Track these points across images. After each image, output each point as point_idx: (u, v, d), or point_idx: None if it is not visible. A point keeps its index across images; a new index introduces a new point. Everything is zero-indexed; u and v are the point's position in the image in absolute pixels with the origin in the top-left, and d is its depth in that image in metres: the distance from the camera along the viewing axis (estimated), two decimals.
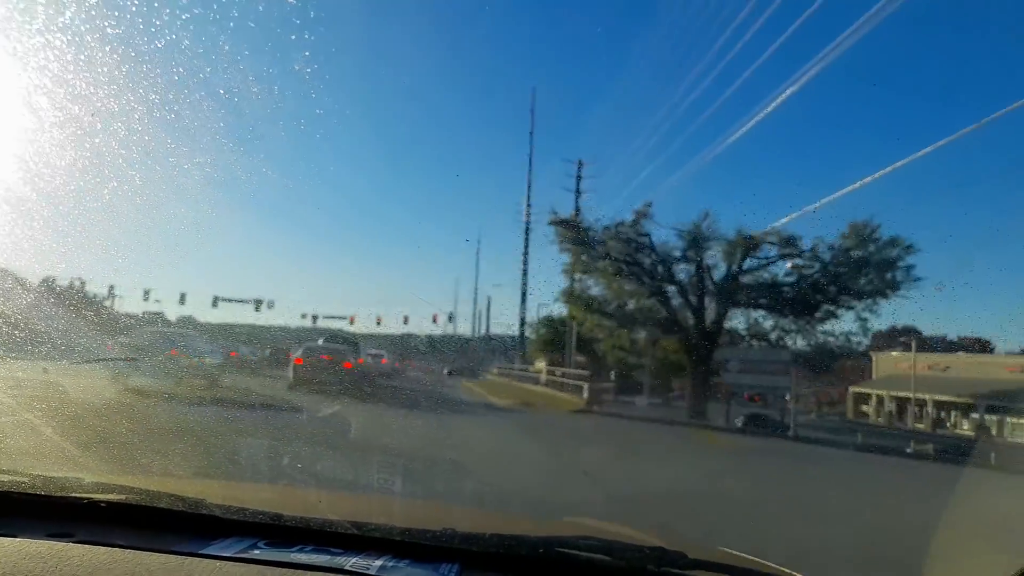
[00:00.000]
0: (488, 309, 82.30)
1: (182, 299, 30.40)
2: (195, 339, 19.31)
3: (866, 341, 26.39)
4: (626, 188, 56.03)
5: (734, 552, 2.22)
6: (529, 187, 40.52)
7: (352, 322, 68.78)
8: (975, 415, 62.30)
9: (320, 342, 24.79)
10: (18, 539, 1.71)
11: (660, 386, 66.09)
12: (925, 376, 62.94)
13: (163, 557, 1.68)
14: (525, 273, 57.44)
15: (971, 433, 60.66)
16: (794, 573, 2.02)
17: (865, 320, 26.57)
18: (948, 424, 65.98)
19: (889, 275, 25.06)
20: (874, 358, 76.97)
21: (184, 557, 1.69)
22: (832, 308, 26.98)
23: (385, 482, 3.05)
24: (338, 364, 19.73)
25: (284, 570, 1.64)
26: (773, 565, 2.06)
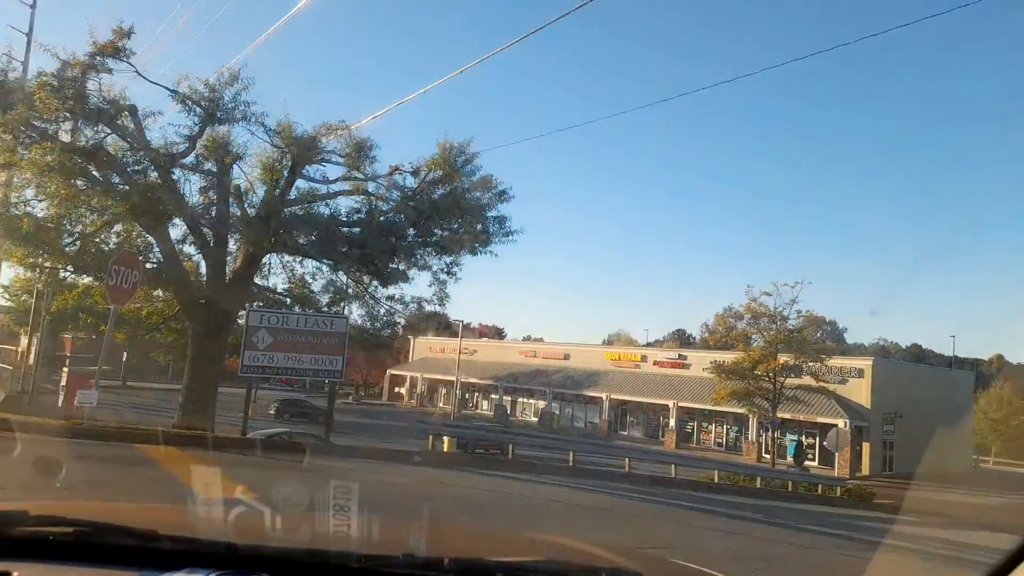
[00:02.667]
0: None
1: None
2: None
3: (443, 310, 19.28)
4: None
5: (687, 564, 2.38)
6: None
7: None
8: (495, 396, 64.39)
9: None
10: None
11: (154, 369, 51.77)
12: (455, 359, 62.54)
13: None
14: None
15: (490, 413, 62.19)
16: None
17: (444, 283, 19.44)
18: (471, 404, 67.29)
19: (480, 225, 18.40)
20: (412, 341, 75.35)
21: None
22: (404, 266, 19.17)
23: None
24: None
25: None
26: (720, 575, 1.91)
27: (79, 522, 1.81)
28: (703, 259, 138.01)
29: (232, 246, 18.09)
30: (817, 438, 41.19)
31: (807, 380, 29.93)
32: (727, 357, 32.23)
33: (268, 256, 19.13)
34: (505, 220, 18.31)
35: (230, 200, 17.78)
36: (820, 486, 24.96)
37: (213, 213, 17.55)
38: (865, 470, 38.60)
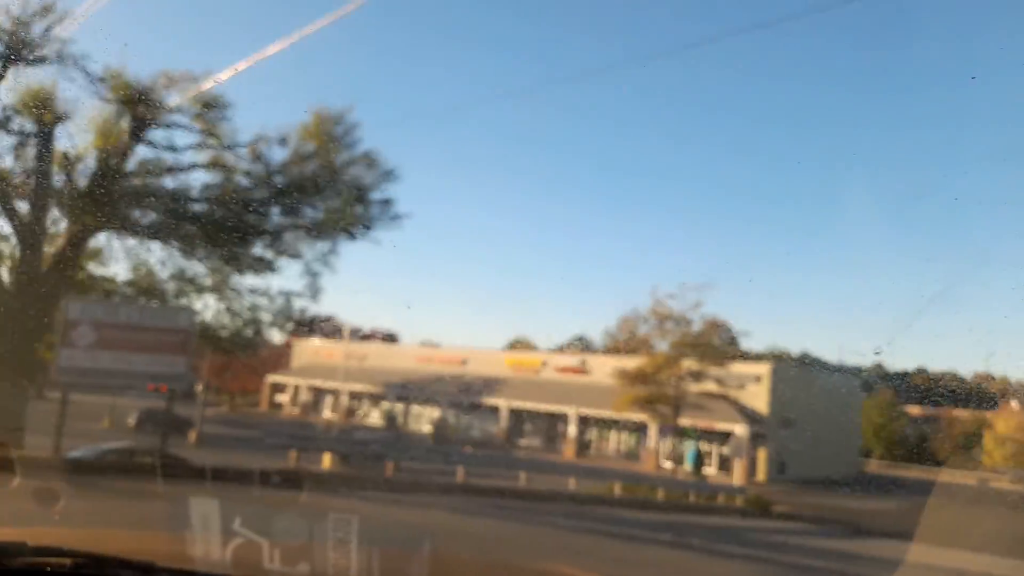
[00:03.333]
0: None
1: None
2: None
3: (314, 305, 16.98)
4: None
5: None
6: None
7: None
8: (385, 404, 61.66)
9: None
10: None
11: None
12: (343, 365, 59.55)
13: None
14: None
15: (381, 423, 59.49)
16: None
17: (317, 275, 17.22)
18: (359, 413, 64.22)
19: (361, 208, 16.41)
20: (294, 345, 71.24)
21: None
22: (271, 253, 16.88)
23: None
24: None
25: None
26: None
27: (77, 553, 1.84)
28: (607, 264, 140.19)
29: (50, 218, 15.14)
30: (715, 445, 41.70)
31: (707, 385, 29.81)
32: (630, 363, 31.69)
33: (108, 239, 16.30)
34: (391, 203, 16.48)
35: (52, 167, 14.90)
36: (722, 496, 24.64)
37: (29, 177, 14.62)
38: (761, 476, 39.24)
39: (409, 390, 56.26)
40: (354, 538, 2.14)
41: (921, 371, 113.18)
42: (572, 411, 46.44)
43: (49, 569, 1.77)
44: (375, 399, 59.96)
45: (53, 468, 11.81)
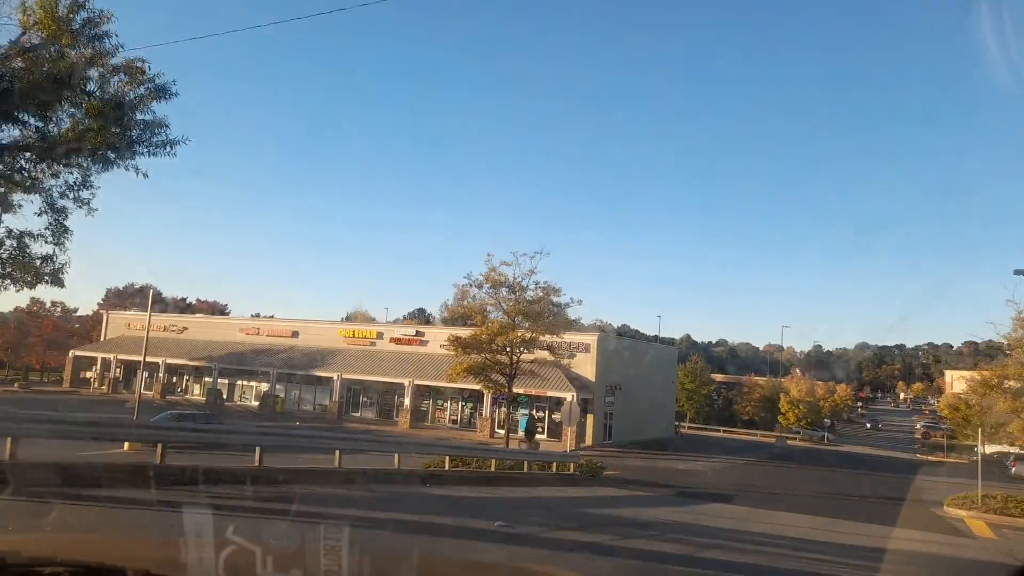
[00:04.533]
0: None
1: None
2: None
3: (62, 256, 12.50)
4: None
5: None
6: None
7: None
8: (208, 378, 54.84)
9: None
10: None
11: None
12: (161, 338, 52.35)
13: None
14: None
15: (202, 398, 52.77)
16: None
17: (63, 213, 12.62)
18: (179, 389, 56.78)
19: (116, 128, 12.00)
20: (105, 317, 61.72)
21: None
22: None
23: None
24: None
25: None
26: None
27: (72, 563, 1.78)
28: (445, 240, 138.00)
29: None
30: (547, 411, 40.79)
31: (541, 354, 28.18)
32: (465, 332, 29.35)
33: None
34: (162, 126, 12.35)
35: None
36: (555, 464, 22.98)
37: None
38: (589, 440, 38.82)
39: (234, 363, 50.33)
40: (345, 545, 2.04)
41: (722, 342, 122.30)
42: (407, 381, 43.54)
43: None
44: (197, 373, 53.23)
45: None
